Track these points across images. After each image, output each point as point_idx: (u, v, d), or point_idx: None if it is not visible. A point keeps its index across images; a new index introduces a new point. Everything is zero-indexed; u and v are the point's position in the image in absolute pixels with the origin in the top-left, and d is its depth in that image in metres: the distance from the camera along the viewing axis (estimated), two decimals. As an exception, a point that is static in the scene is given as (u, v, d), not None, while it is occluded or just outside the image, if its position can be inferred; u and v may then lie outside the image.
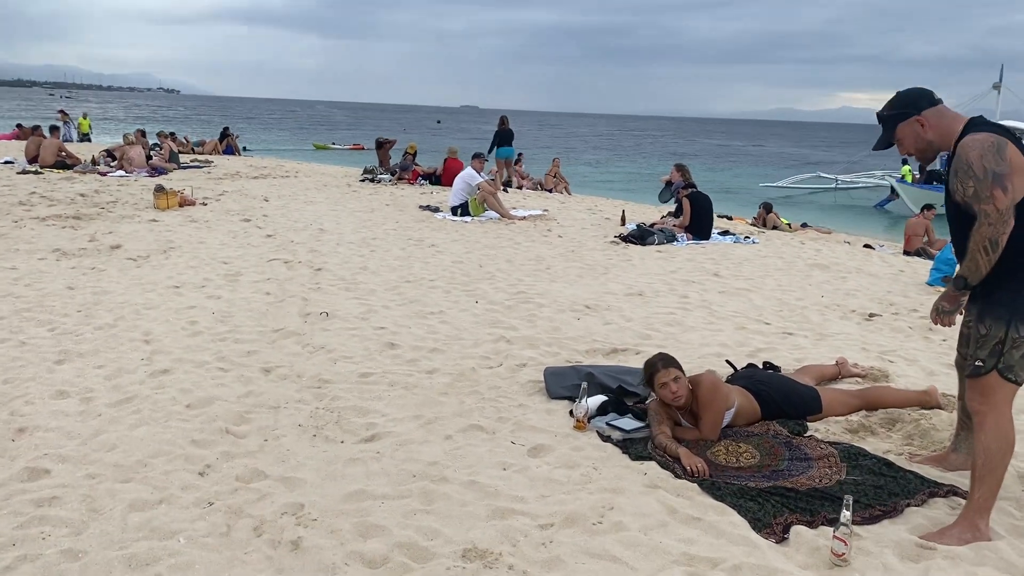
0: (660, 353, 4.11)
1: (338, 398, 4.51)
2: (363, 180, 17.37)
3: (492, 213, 12.10)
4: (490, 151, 18.18)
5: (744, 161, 55.23)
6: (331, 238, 9.88)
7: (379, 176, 17.59)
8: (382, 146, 20.35)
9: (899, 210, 26.91)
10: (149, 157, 18.47)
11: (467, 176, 12.08)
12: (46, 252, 8.45)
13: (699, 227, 10.32)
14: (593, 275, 8.03)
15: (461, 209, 11.98)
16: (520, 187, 19.84)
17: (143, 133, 19.41)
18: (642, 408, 4.25)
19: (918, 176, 28.21)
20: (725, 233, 10.89)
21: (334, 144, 43.79)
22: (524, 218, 12.00)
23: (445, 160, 17.41)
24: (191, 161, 20.41)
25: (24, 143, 18.97)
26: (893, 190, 27.18)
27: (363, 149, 39.98)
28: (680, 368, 3.97)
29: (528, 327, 6.03)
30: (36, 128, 18.95)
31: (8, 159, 18.03)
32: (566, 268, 8.37)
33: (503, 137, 18.46)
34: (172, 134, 24.48)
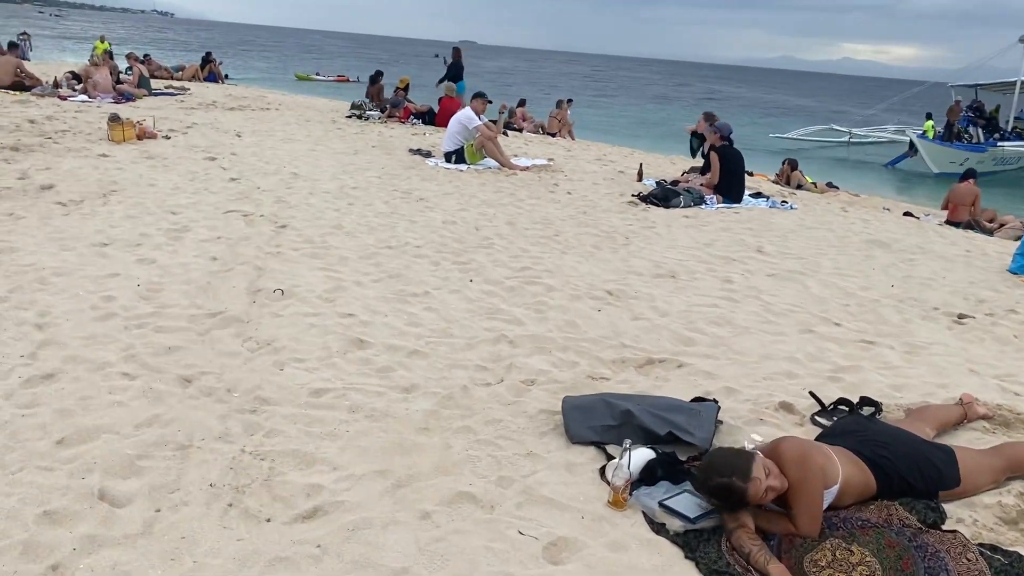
0: (725, 456, 2.73)
1: (275, 432, 3.23)
2: (350, 116, 15.84)
3: (491, 161, 10.70)
4: (440, 83, 17.19)
5: (749, 110, 53.38)
6: (304, 185, 8.49)
7: (368, 113, 16.06)
8: (376, 80, 18.72)
9: (913, 168, 25.50)
10: (118, 81, 16.85)
11: (464, 118, 10.63)
12: (-41, 192, 7.06)
13: (730, 188, 8.96)
14: (611, 246, 6.70)
15: (456, 156, 10.56)
16: (521, 130, 18.37)
17: (111, 55, 17.72)
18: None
19: (941, 132, 26.75)
20: (757, 195, 9.53)
21: (317, 75, 41.69)
22: (527, 168, 10.59)
23: (441, 98, 15.89)
24: (165, 88, 18.76)
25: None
26: (911, 146, 25.71)
27: (348, 81, 38.22)
28: (759, 456, 2.69)
29: (536, 321, 4.74)
30: (-7, 44, 17.24)
31: (-39, 77, 16.39)
32: (579, 235, 7.04)
33: (457, 70, 17.19)
34: (146, 56, 22.72)
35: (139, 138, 10.64)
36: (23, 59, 18.59)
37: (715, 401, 3.58)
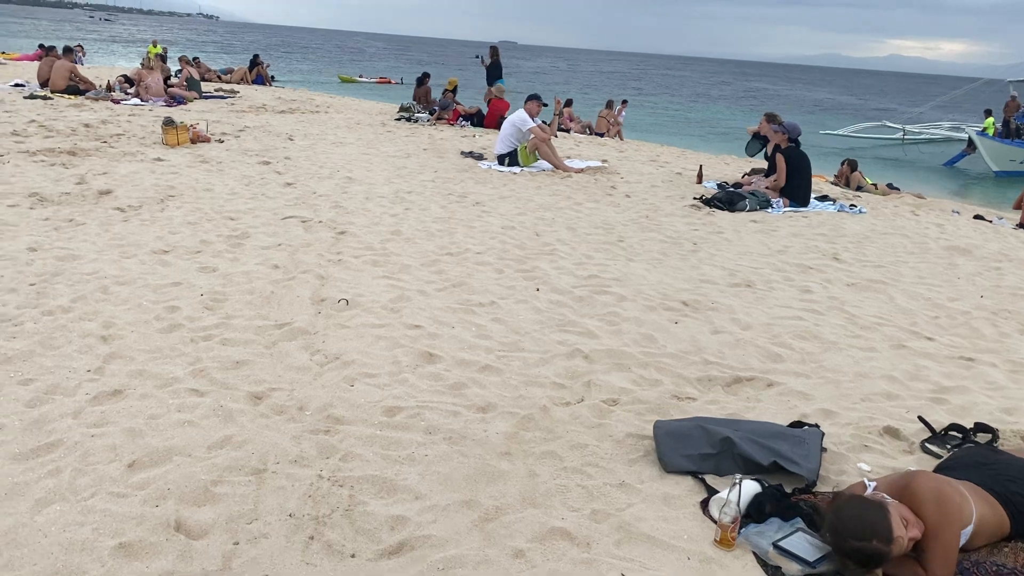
0: (856, 511, 2.42)
1: (352, 456, 3.07)
2: (399, 119, 15.76)
3: (544, 163, 10.50)
4: (489, 82, 17.21)
5: (792, 109, 52.43)
6: (359, 190, 8.38)
7: (416, 115, 15.96)
8: (423, 82, 18.62)
9: (972, 167, 24.71)
10: (169, 84, 17.00)
11: (518, 120, 10.44)
12: (21, 197, 7.05)
13: (797, 191, 8.64)
14: (680, 252, 6.46)
15: (509, 158, 10.38)
16: (568, 130, 18.15)
17: (163, 58, 17.87)
18: (810, 502, 2.78)
19: (999, 129, 25.92)
20: (823, 199, 9.19)
21: (361, 77, 41.93)
22: (581, 170, 10.38)
23: (490, 100, 15.74)
24: (215, 91, 18.89)
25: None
26: (970, 143, 24.90)
27: (391, 83, 38.43)
28: (892, 506, 2.44)
29: (610, 334, 4.53)
30: (50, 49, 17.50)
31: (19, 81, 16.67)
32: (643, 241, 6.81)
33: (497, 69, 17.11)
34: (195, 59, 22.94)
35: (193, 142, 10.65)
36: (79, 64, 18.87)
37: (817, 426, 3.34)
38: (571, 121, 19.35)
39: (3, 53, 27.61)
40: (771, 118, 9.74)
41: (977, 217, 10.63)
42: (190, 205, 7.21)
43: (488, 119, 15.43)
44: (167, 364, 3.82)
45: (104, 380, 3.62)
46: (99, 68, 25.45)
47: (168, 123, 10.53)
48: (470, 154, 11.25)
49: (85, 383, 3.58)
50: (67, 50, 16.72)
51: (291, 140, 11.78)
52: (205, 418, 3.32)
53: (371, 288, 5.12)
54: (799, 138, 8.83)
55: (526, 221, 7.36)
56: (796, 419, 3.50)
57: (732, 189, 9.20)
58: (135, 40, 71.50)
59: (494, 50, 17.68)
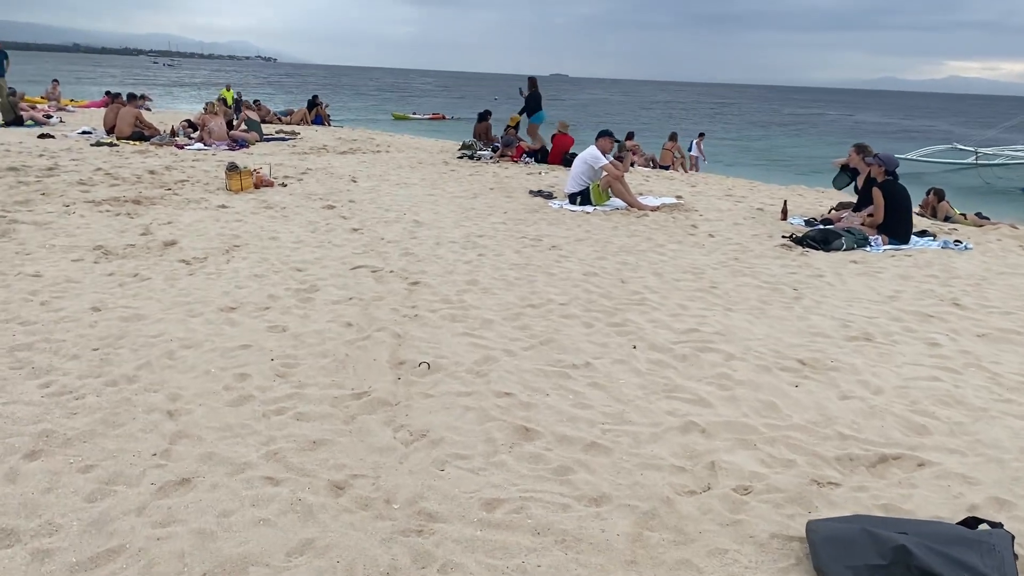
0: None
1: (452, 567, 2.63)
2: (461, 157, 15.51)
3: (617, 201, 10.05)
4: (526, 114, 17.16)
5: (854, 132, 51.15)
6: (429, 234, 8.04)
7: (479, 152, 15.71)
8: (484, 119, 18.41)
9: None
10: (232, 127, 17.07)
11: (590, 157, 10.03)
12: (86, 250, 6.86)
13: (897, 227, 8.01)
14: (781, 300, 5.93)
15: (581, 197, 9.96)
16: (633, 163, 17.70)
17: (224, 101, 18.00)
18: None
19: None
20: (923, 234, 8.53)
21: (414, 114, 42.63)
22: (657, 208, 9.90)
23: (553, 135, 15.42)
24: (276, 133, 18.95)
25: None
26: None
27: (444, 119, 39.07)
28: None
29: (725, 401, 4.02)
30: (116, 96, 17.77)
31: (86, 129, 16.93)
32: (739, 287, 6.28)
33: (536, 100, 16.95)
34: (256, 102, 23.15)
35: (256, 187, 10.49)
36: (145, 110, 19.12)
37: (1000, 525, 2.79)
38: (635, 154, 18.92)
39: (72, 101, 28.38)
40: (861, 149, 9.16)
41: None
42: (256, 255, 6.94)
43: (552, 155, 15.10)
44: (238, 445, 3.45)
45: (171, 466, 3.25)
46: (163, 113, 25.92)
47: (231, 168, 10.39)
48: (539, 193, 10.88)
49: (150, 470, 3.22)
50: (131, 96, 16.94)
51: (355, 182, 11.57)
52: (282, 514, 2.92)
53: (452, 348, 4.71)
54: (896, 170, 8.22)
55: (608, 266, 6.91)
56: (967, 513, 2.95)
57: (823, 226, 8.62)
58: (194, 84, 73.65)
59: (532, 81, 17.47)
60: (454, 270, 6.61)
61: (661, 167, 18.93)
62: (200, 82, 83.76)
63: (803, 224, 9.07)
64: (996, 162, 29.13)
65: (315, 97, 25.71)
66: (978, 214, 13.62)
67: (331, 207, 9.43)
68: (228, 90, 27.66)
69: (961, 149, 30.22)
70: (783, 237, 8.22)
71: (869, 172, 9.05)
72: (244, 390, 4.03)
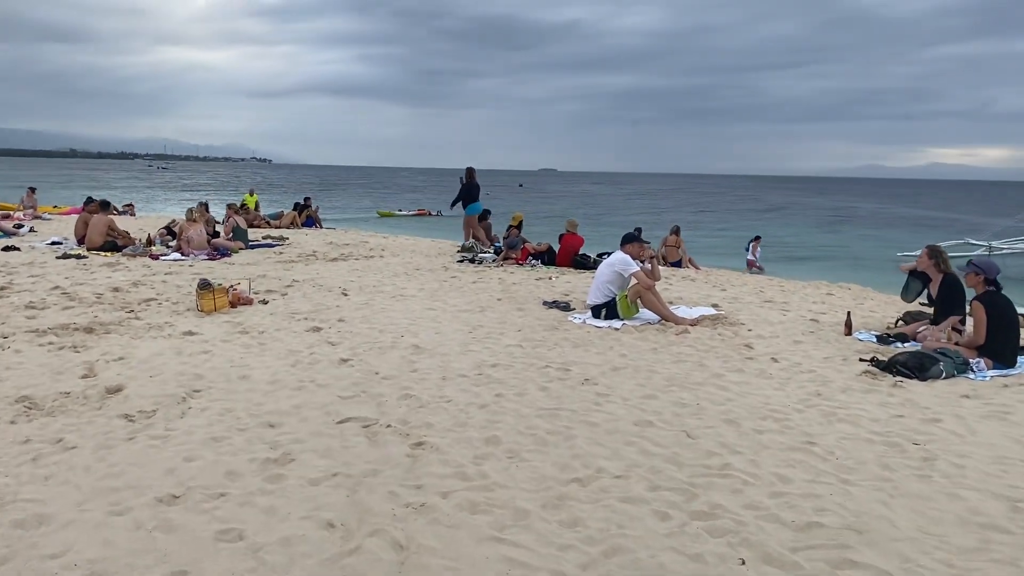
0: None
1: None
2: (461, 261, 14.27)
3: (647, 313, 8.71)
4: (453, 204, 17.38)
5: (853, 222, 50.52)
6: (432, 364, 6.64)
7: (480, 255, 14.48)
8: (484, 217, 17.30)
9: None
10: (216, 234, 15.89)
11: (619, 264, 8.74)
12: (6, 404, 5.43)
13: (1003, 347, 6.65)
14: (908, 463, 4.47)
15: (607, 309, 8.62)
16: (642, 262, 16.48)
17: (206, 207, 16.86)
18: None
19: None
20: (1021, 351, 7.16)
21: (400, 211, 42.04)
22: (696, 321, 8.54)
23: (562, 235, 14.23)
24: (263, 239, 17.77)
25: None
26: (1073, 258, 22.66)
27: (429, 215, 38.79)
28: None
29: None
30: (90, 202, 16.63)
31: (56, 239, 15.72)
32: (843, 442, 4.83)
33: (472, 191, 16.89)
34: (243, 205, 22.10)
35: (232, 305, 9.14)
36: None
37: None
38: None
39: (55, 207, 27.39)
40: (935, 253, 7.90)
41: None
42: (219, 404, 5.51)
43: (561, 257, 13.89)
44: None
45: None
46: (147, 218, 24.87)
47: (204, 286, 9.05)
48: (555, 304, 9.55)
49: None
50: (104, 204, 15.79)
51: (345, 295, 10.24)
52: None
53: (479, 568, 3.25)
54: (998, 279, 6.91)
55: (662, 408, 5.49)
56: None
57: (899, 342, 7.29)
58: (180, 186, 73.53)
59: (470, 172, 17.13)
60: (467, 421, 5.18)
61: (672, 264, 17.74)
62: (191, 184, 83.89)
63: (874, 340, 7.71)
64: (1007, 252, 28.06)
65: (307, 199, 24.72)
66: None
67: (317, 329, 8.06)
68: (252, 195, 26.74)
69: (972, 243, 29.07)
70: (862, 361, 6.83)
71: (943, 278, 7.78)
72: None
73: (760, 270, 19.86)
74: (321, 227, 23.45)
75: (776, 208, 67.48)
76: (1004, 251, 28.14)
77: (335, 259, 14.44)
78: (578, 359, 6.96)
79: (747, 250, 21.58)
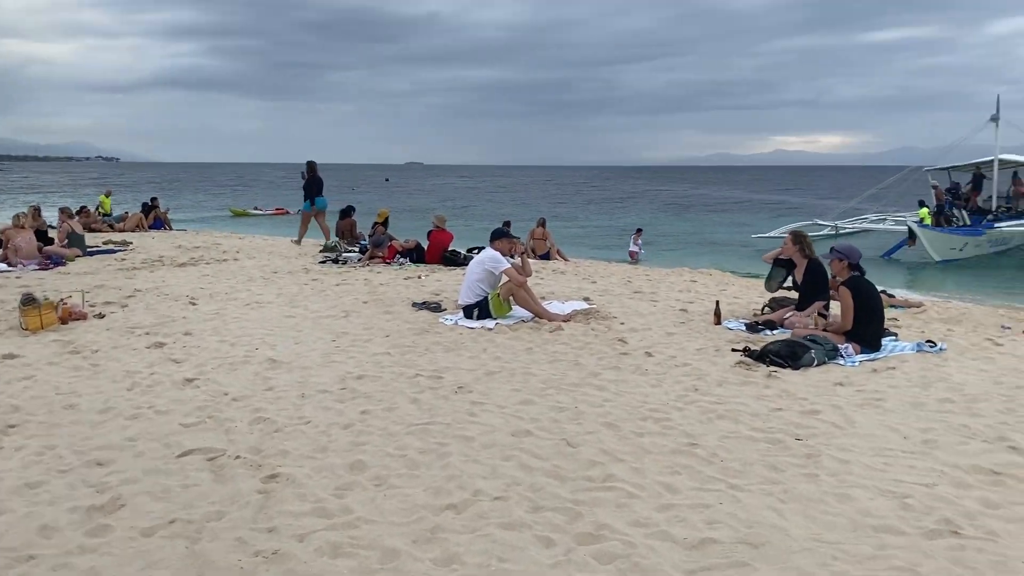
0: None
1: None
2: (323, 262, 13.55)
3: (520, 310, 8.41)
4: (306, 199, 16.96)
5: (707, 208, 52.54)
6: (289, 381, 6.07)
7: (344, 254, 13.81)
8: (348, 214, 16.57)
9: (912, 257, 24.06)
10: (50, 241, 14.47)
11: (490, 261, 8.38)
12: None
13: (868, 333, 6.72)
14: (794, 462, 4.30)
15: (479, 309, 8.25)
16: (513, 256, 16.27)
17: (38, 211, 15.35)
18: None
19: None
20: (886, 333, 7.26)
21: (256, 209, 38.83)
22: (568, 317, 8.30)
23: (430, 231, 13.78)
24: (103, 244, 16.38)
25: None
26: (911, 235, 24.23)
27: (288, 213, 35.87)
28: None
29: None
30: None
31: None
32: (725, 441, 4.63)
33: (316, 185, 16.69)
34: (83, 208, 20.40)
35: (63, 321, 8.19)
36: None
37: None
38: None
39: None
40: (798, 239, 7.97)
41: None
42: (38, 441, 4.77)
43: (430, 254, 13.43)
44: None
45: None
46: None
47: (28, 301, 8.05)
48: (424, 305, 9.09)
49: None
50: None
51: (193, 305, 9.41)
52: None
53: (343, 629, 2.79)
54: (861, 264, 6.99)
55: (540, 416, 5.17)
56: None
57: (768, 329, 7.30)
58: (27, 189, 68.23)
59: (311, 166, 16.85)
60: (329, 444, 4.68)
61: (539, 257, 17.62)
62: (27, 186, 77.92)
63: (744, 329, 7.69)
64: (849, 231, 29.68)
65: (154, 200, 23.11)
66: (883, 291, 12.92)
67: (159, 345, 7.29)
68: (108, 196, 24.63)
69: (820, 224, 30.55)
70: (735, 351, 6.76)
71: (808, 263, 7.87)
72: None
73: (635, 260, 20.25)
74: (171, 229, 21.99)
75: (633, 196, 69.42)
76: (848, 231, 29.84)
77: (184, 264, 13.41)
78: (451, 364, 6.55)
79: (630, 241, 22.01)
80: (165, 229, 21.64)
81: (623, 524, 3.57)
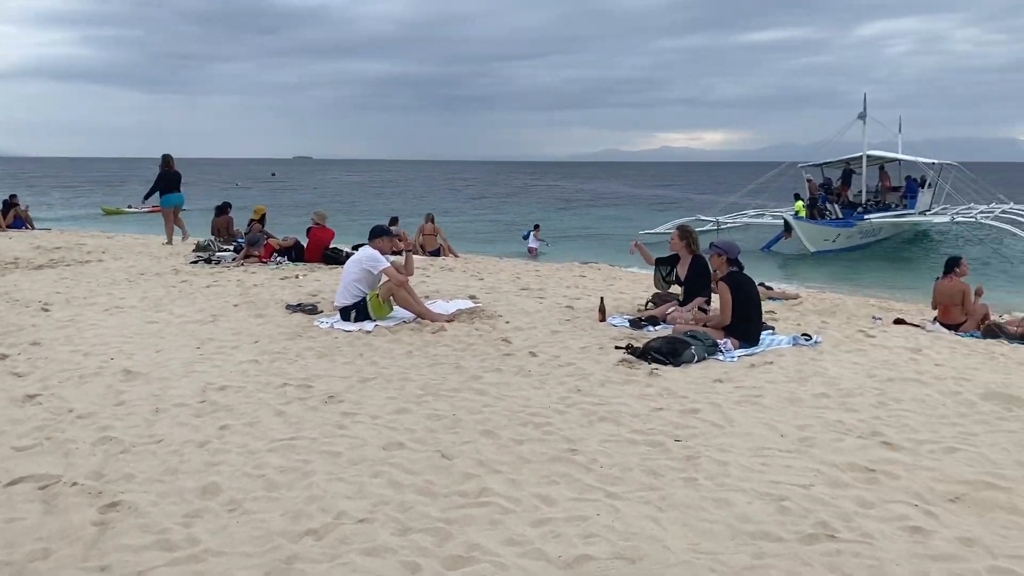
0: None
1: None
2: (195, 262, 12.82)
3: (401, 311, 8.11)
4: (147, 196, 16.79)
5: (594, 204, 53.32)
6: (143, 394, 5.58)
7: (218, 253, 13.12)
8: (223, 211, 15.78)
9: (790, 250, 25.06)
10: None
11: (368, 260, 8.02)
12: None
13: (747, 326, 6.74)
14: (673, 466, 4.17)
15: (356, 311, 7.89)
16: (402, 252, 15.90)
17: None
18: None
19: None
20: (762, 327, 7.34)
21: (130, 207, 36.25)
22: (452, 318, 8.05)
23: (309, 228, 13.25)
24: (-49, 245, 15.05)
25: None
26: (787, 227, 25.20)
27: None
28: None
29: None
30: None
31: None
32: (605, 446, 4.49)
33: (170, 180, 15.89)
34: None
35: None
36: None
37: None
38: (402, 241, 17.13)
39: None
40: (685, 234, 7.96)
41: (899, 321, 9.34)
42: None
43: (309, 252, 12.92)
44: None
45: None
46: None
47: None
48: (299, 307, 8.65)
49: None
50: None
51: (46, 311, 8.66)
52: None
53: None
54: (740, 258, 7.02)
55: (415, 425, 4.89)
56: None
57: (651, 326, 7.26)
58: None
59: (166, 159, 16.03)
60: (180, 466, 4.27)
61: (429, 253, 17.31)
62: None
63: (628, 326, 7.64)
64: (730, 226, 30.54)
65: (13, 197, 21.47)
66: (762, 284, 13.24)
67: (2, 357, 6.63)
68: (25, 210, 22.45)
69: (703, 220, 31.26)
70: (618, 348, 6.67)
71: (692, 258, 7.88)
72: None
73: (535, 256, 20.32)
74: (33, 228, 20.51)
75: (523, 191, 69.85)
76: (729, 226, 30.73)
77: (41, 266, 12.42)
78: (323, 372, 6.19)
79: (526, 237, 21.97)
80: (26, 228, 20.16)
81: (495, 543, 3.35)
